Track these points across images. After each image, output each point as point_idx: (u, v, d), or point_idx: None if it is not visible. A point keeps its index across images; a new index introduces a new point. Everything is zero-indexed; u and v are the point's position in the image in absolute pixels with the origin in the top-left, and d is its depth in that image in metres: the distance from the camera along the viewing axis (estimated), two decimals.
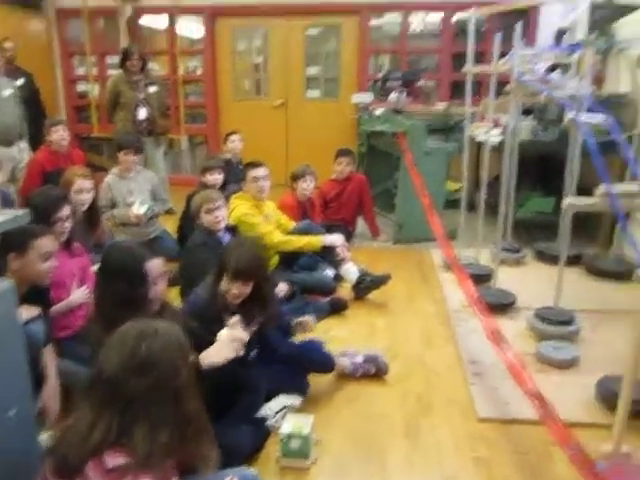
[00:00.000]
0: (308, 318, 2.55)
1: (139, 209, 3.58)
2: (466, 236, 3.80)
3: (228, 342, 1.80)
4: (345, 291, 3.36)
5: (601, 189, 1.76)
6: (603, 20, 2.42)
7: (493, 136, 3.63)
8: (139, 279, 1.81)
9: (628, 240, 3.14)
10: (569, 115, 2.06)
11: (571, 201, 1.94)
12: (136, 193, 3.73)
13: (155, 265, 1.89)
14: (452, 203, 4.33)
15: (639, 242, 2.52)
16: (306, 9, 6.07)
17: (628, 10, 2.36)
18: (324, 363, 2.39)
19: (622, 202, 1.78)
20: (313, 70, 6.56)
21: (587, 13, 2.54)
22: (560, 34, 3.98)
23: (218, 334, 1.84)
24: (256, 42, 6.62)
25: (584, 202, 1.92)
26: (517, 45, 2.89)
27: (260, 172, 3.29)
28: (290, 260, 3.40)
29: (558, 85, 2.47)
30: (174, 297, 2.66)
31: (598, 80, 4.13)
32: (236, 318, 1.94)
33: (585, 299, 3.19)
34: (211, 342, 1.80)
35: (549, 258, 3.68)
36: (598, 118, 2.10)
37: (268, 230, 3.26)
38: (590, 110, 2.41)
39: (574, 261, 3.62)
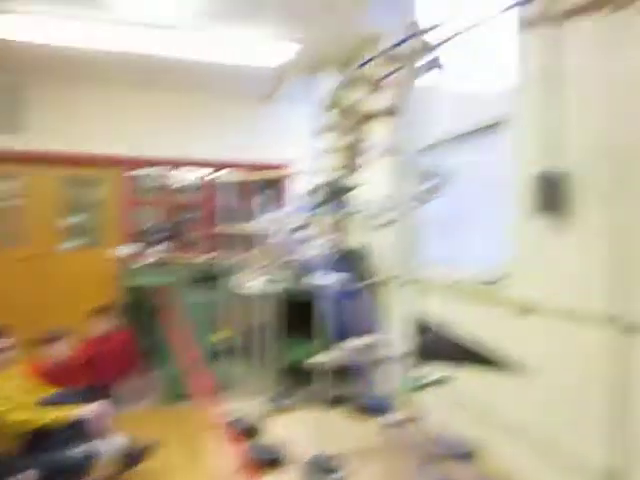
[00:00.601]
0: None
1: None
2: (238, 386, 3.77)
3: None
4: (107, 468, 2.98)
5: (339, 346, 1.95)
6: (334, 194, 2.87)
7: (256, 286, 3.85)
8: None
9: (368, 387, 3.48)
10: (310, 274, 2.29)
11: (319, 358, 2.10)
12: None
13: None
14: (222, 353, 4.31)
15: (388, 384, 2.79)
16: (63, 160, 5.93)
17: (352, 189, 2.87)
18: None
19: (358, 355, 1.98)
20: (73, 219, 6.28)
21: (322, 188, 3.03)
22: (307, 196, 4.54)
23: None
24: (5, 188, 6.14)
25: (329, 357, 2.09)
26: (266, 209, 3.20)
27: None
28: (38, 438, 2.93)
29: (302, 245, 2.77)
30: None
31: (340, 237, 4.75)
32: None
33: (351, 439, 3.34)
34: None
35: (316, 402, 3.83)
36: (334, 277, 2.37)
37: (7, 408, 2.80)
38: (330, 267, 2.73)
39: (339, 402, 3.83)
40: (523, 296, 2.84)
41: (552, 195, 2.58)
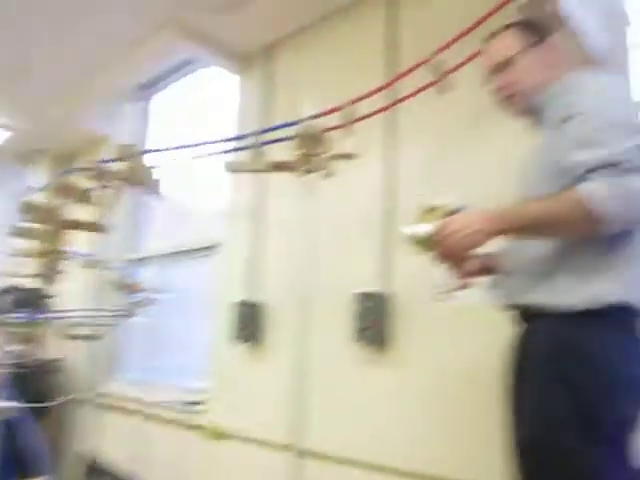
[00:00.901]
0: None
1: None
2: None
3: None
4: None
5: None
6: (26, 300, 2.57)
7: None
8: None
9: None
10: None
11: None
12: None
13: None
14: None
15: None
16: None
17: (47, 297, 2.62)
18: None
19: None
20: None
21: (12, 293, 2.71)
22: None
23: None
24: None
25: None
26: None
27: None
28: None
29: None
30: None
31: (28, 350, 4.10)
32: None
33: None
34: None
35: None
36: (10, 397, 2.04)
37: None
38: (8, 385, 2.35)
39: None
40: (219, 422, 2.84)
41: (249, 324, 2.72)
